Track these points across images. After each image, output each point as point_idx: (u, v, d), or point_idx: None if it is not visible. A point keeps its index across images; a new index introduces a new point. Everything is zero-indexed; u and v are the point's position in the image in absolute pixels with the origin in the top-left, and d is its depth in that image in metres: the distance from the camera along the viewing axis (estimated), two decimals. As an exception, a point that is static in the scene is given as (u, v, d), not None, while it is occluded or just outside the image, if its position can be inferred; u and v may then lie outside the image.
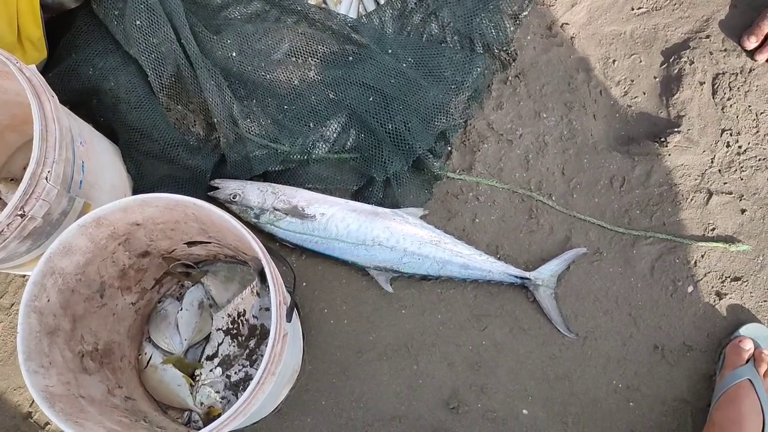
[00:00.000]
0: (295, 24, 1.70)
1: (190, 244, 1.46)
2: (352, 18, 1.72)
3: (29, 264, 1.38)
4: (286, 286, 1.30)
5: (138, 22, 1.53)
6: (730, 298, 1.57)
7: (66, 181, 1.28)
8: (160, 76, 1.57)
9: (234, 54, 1.63)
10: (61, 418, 1.08)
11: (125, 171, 1.62)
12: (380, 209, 1.61)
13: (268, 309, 1.53)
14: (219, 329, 1.55)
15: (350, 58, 1.67)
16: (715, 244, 1.60)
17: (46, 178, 1.20)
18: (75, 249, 1.20)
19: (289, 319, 1.21)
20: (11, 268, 1.45)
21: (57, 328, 1.22)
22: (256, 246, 1.17)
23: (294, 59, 1.67)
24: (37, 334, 1.15)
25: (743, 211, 1.62)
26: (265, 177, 1.67)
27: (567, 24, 1.78)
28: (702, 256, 1.60)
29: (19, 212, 1.19)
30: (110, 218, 1.20)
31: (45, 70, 1.61)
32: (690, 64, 1.71)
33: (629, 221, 1.64)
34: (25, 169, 1.66)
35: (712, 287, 1.59)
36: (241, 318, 1.55)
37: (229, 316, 1.55)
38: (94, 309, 1.35)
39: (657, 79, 1.74)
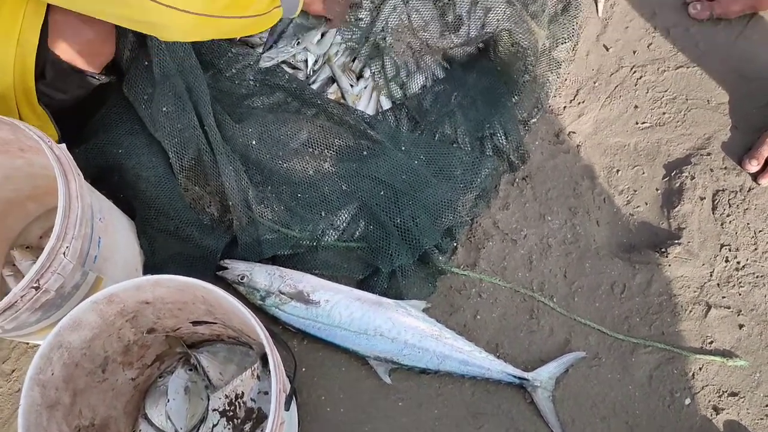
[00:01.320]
0: (314, 116, 1.78)
1: (196, 323, 1.48)
2: (369, 115, 1.80)
3: (37, 333, 1.40)
4: (286, 372, 1.32)
5: (165, 108, 1.61)
6: (727, 413, 1.57)
7: (82, 256, 1.32)
8: (181, 158, 1.64)
9: (254, 142, 1.70)
10: (53, 495, 1.08)
11: (138, 247, 1.66)
12: (384, 299, 1.64)
13: (266, 393, 1.53)
14: (215, 410, 1.55)
15: (365, 152, 1.74)
16: (712, 357, 1.61)
17: (64, 254, 1.24)
18: (84, 324, 1.23)
19: (287, 407, 1.22)
20: (18, 337, 1.47)
21: (57, 401, 1.23)
22: (260, 332, 1.19)
23: (311, 150, 1.73)
24: (38, 408, 1.17)
25: (741, 326, 1.65)
26: (274, 260, 1.71)
27: (574, 132, 1.86)
28: (700, 369, 1.61)
29: (34, 285, 1.23)
30: (122, 296, 1.23)
31: (72, 143, 1.68)
32: (691, 179, 1.77)
33: (629, 328, 1.66)
34: (41, 237, 1.72)
35: (710, 401, 1.59)
36: (239, 400, 1.55)
37: (226, 397, 1.55)
38: (95, 383, 1.36)
39: (659, 191, 1.80)
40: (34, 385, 1.15)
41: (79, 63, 1.49)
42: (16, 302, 1.22)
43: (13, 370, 1.66)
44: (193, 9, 1.30)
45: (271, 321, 1.68)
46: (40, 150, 1.31)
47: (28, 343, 1.67)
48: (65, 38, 1.43)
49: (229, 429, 1.54)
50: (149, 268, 1.67)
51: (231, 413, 1.55)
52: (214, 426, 1.55)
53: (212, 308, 1.35)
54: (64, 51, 1.45)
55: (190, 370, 1.59)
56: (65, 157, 1.31)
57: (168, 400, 1.54)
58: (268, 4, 1.47)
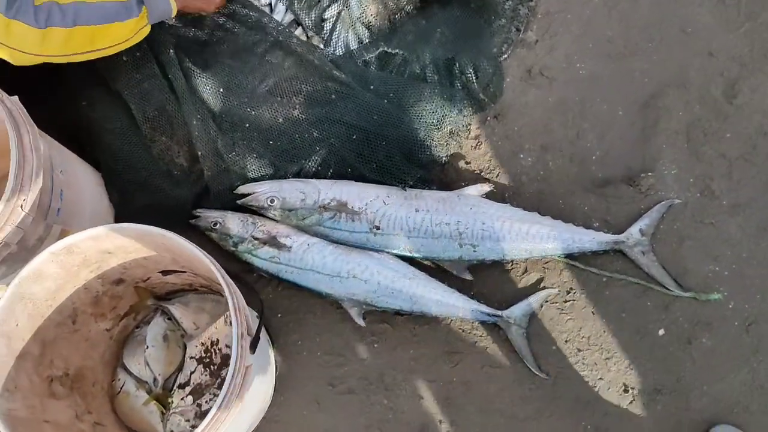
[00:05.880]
0: (281, 60, 1.74)
1: (165, 273, 1.49)
2: (333, 54, 1.76)
3: (4, 289, 1.41)
4: (257, 315, 1.33)
5: (124, 58, 1.59)
6: (702, 342, 1.58)
7: (43, 209, 1.32)
8: (143, 109, 1.63)
9: (222, 89, 1.67)
10: (22, 442, 1.10)
11: (107, 200, 1.66)
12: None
13: (240, 339, 1.54)
14: (192, 357, 1.57)
15: (333, 95, 1.71)
16: (685, 294, 1.60)
17: (21, 206, 1.23)
18: (46, 275, 1.24)
19: (252, 350, 1.23)
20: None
21: (26, 352, 1.24)
22: (216, 272, 1.19)
23: (279, 98, 1.70)
24: (4, 358, 1.18)
25: (716, 257, 1.63)
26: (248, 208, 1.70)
27: (546, 68, 1.81)
28: (674, 300, 1.61)
29: (-6, 238, 1.23)
30: (81, 246, 1.23)
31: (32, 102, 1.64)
32: (666, 111, 1.73)
33: (601, 263, 1.66)
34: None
35: (683, 332, 1.59)
36: (215, 347, 1.57)
37: (203, 344, 1.57)
38: (65, 335, 1.37)
39: (633, 125, 1.75)
40: (-4, 336, 1.16)
41: None
42: (-25, 257, 1.23)
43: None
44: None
45: (245, 269, 1.68)
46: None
47: (5, 299, 1.69)
48: None
49: (206, 375, 1.56)
50: (122, 221, 1.67)
51: (207, 360, 1.57)
52: (191, 373, 1.57)
53: (176, 256, 1.35)
54: None
55: (169, 319, 1.61)
56: (17, 109, 1.29)
57: (147, 347, 1.56)
58: (131, 29, 1.40)
